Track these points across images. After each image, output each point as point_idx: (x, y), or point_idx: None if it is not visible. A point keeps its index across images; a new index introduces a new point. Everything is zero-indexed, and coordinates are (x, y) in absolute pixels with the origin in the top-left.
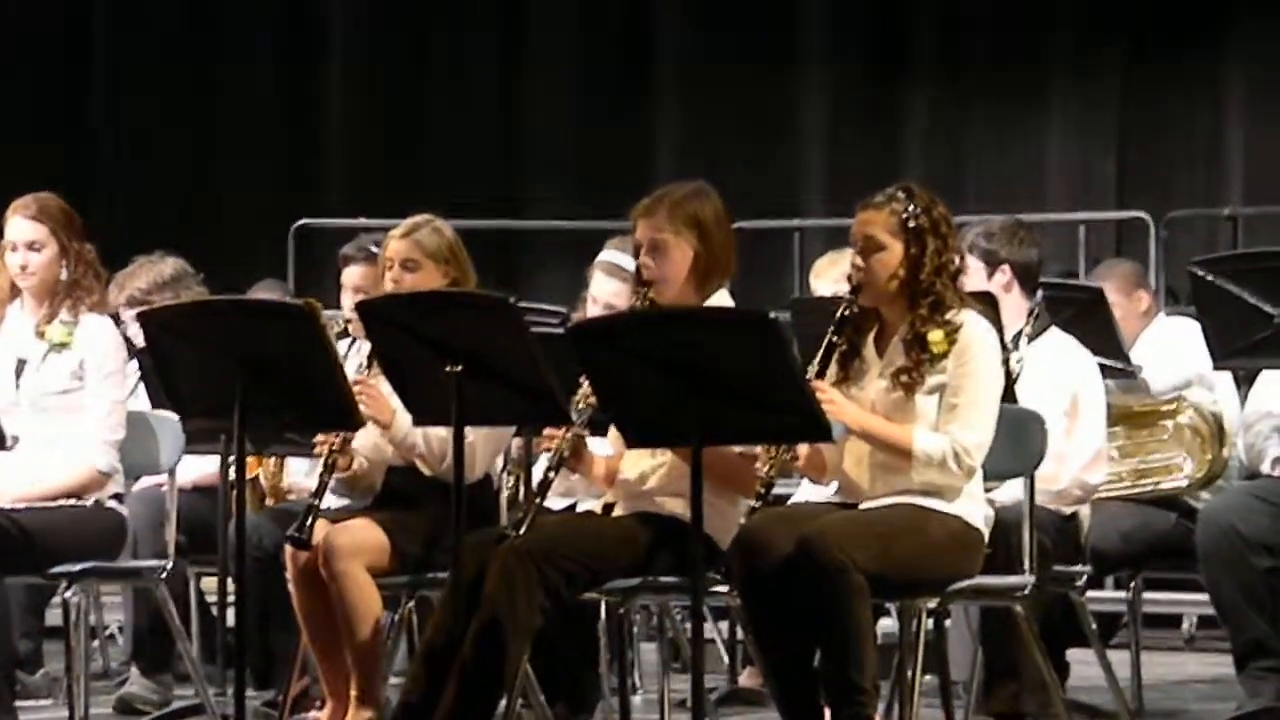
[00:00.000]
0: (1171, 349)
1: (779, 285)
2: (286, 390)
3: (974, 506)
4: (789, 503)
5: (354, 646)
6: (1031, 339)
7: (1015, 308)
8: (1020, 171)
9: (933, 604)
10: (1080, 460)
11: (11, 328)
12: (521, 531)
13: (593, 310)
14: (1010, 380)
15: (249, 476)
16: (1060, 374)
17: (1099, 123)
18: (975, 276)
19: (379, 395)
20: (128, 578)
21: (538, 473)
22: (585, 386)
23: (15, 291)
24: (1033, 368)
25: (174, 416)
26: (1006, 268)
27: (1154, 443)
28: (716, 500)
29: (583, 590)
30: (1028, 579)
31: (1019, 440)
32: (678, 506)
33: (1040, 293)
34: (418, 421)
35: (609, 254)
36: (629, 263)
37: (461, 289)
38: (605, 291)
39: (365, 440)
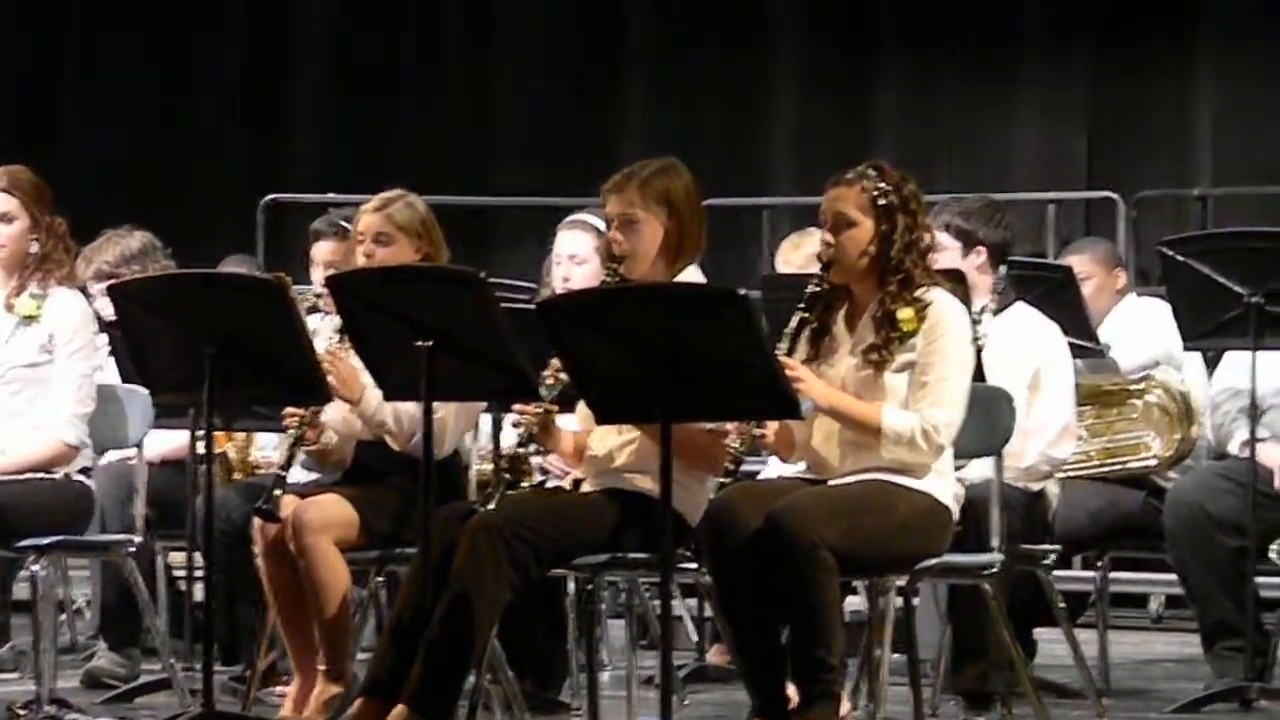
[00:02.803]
0: (1140, 328)
1: (748, 263)
2: (255, 364)
3: (943, 484)
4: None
5: (322, 621)
6: (996, 313)
7: (987, 287)
8: (990, 150)
9: (901, 582)
10: (1046, 435)
11: None
12: (490, 507)
13: (557, 269)
14: (977, 356)
15: (217, 451)
16: (1023, 348)
17: (1069, 102)
18: (949, 254)
19: (349, 370)
20: (95, 551)
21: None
22: (555, 362)
23: None
24: (996, 342)
25: (143, 390)
26: (983, 249)
27: (1122, 422)
28: (685, 478)
29: (551, 566)
30: (996, 557)
31: (988, 419)
32: (646, 483)
33: (1004, 268)
34: (388, 396)
35: (571, 216)
36: (592, 218)
37: (433, 264)
38: (567, 244)
39: (335, 414)
